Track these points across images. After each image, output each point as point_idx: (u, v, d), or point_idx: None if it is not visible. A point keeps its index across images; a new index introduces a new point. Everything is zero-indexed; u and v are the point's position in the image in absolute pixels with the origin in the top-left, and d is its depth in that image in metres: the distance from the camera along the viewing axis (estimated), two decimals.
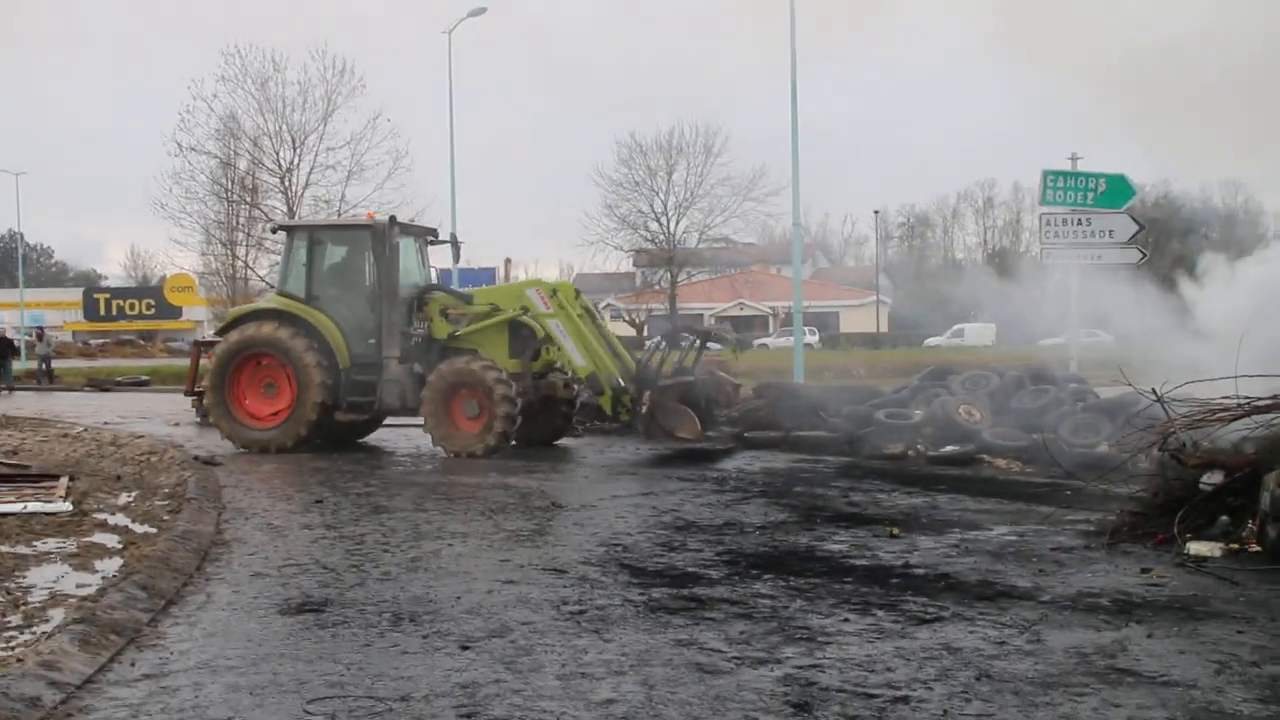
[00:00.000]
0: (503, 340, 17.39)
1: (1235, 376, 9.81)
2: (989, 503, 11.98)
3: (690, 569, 8.61)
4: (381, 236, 17.33)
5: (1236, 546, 8.76)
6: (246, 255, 49.87)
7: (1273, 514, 8.55)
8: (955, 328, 63.20)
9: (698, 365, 17.88)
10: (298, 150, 45.90)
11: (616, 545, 9.66)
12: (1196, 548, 8.80)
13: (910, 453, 15.92)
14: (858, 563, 8.83)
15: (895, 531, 10.15)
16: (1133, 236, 21.00)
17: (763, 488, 13.21)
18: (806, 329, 45.38)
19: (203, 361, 19.57)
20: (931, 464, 15.18)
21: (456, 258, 20.00)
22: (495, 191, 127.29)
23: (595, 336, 17.00)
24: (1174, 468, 9.66)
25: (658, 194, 60.64)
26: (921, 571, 8.48)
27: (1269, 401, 9.64)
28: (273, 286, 51.61)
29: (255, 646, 6.55)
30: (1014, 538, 9.91)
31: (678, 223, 60.56)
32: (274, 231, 20.89)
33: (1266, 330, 11.47)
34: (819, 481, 13.66)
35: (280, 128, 45.75)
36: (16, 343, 37.07)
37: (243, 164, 47.11)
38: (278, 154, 46.15)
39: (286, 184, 46.12)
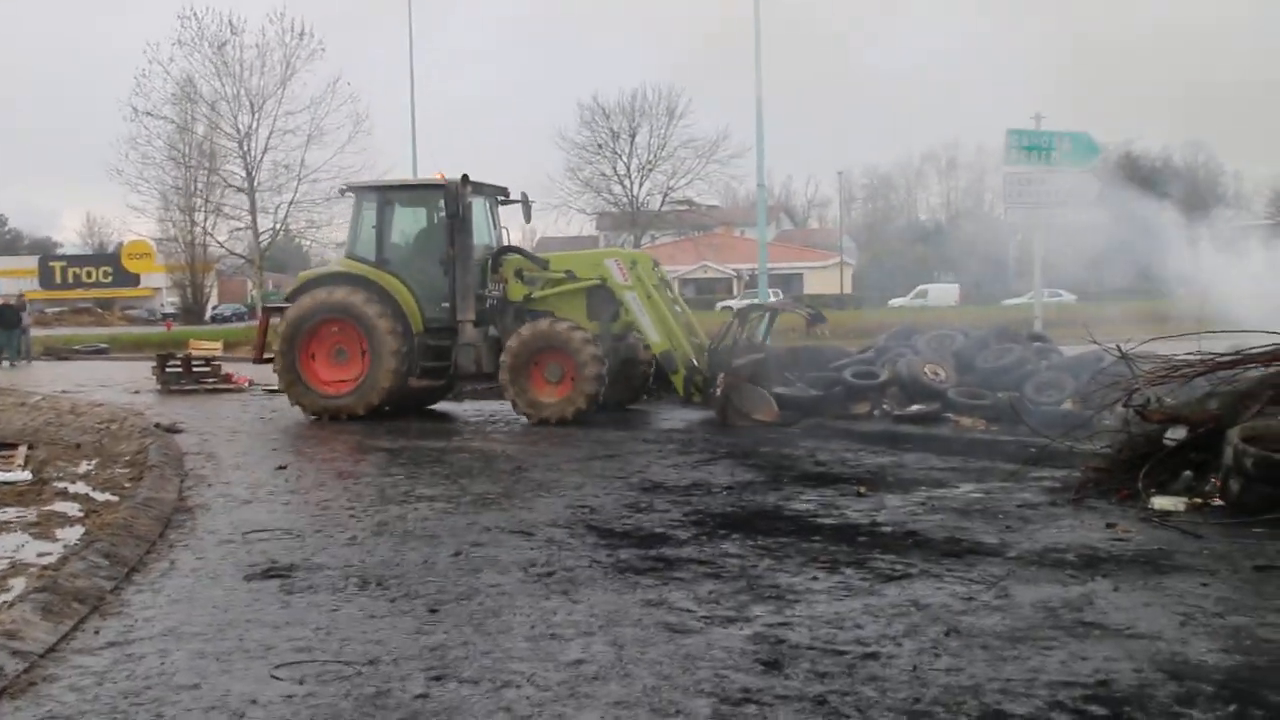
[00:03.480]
0: (580, 302, 16.91)
1: (1199, 333, 9.85)
2: (955, 461, 11.97)
3: (658, 530, 8.55)
4: (454, 196, 16.88)
5: (1200, 501, 8.78)
6: (205, 221, 49.42)
7: (1235, 468, 8.57)
8: (919, 288, 63.38)
9: (768, 339, 17.37)
10: (256, 115, 45.36)
11: (583, 507, 9.59)
12: (1161, 502, 8.83)
13: (876, 412, 15.93)
14: (825, 521, 8.78)
15: (862, 490, 10.11)
16: (1096, 196, 21.04)
17: (728, 449, 13.16)
18: (771, 291, 45.20)
19: (271, 323, 18.84)
20: (897, 423, 15.17)
21: (528, 216, 19.39)
22: (455, 155, 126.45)
23: (671, 311, 16.57)
24: (1138, 424, 9.69)
25: (620, 156, 60.02)
26: (889, 529, 8.45)
27: (1231, 357, 9.68)
28: (232, 253, 51.23)
29: (221, 613, 6.49)
30: (980, 495, 9.89)
31: (641, 185, 60.07)
32: (342, 193, 20.35)
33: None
34: (785, 442, 13.64)
35: (238, 92, 45.23)
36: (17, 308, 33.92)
37: (200, 129, 46.60)
38: (235, 118, 45.62)
39: (245, 149, 45.59)
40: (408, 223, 17.97)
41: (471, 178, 17.11)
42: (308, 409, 17.33)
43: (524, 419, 16.22)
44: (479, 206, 17.82)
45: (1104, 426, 10.71)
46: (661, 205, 60.98)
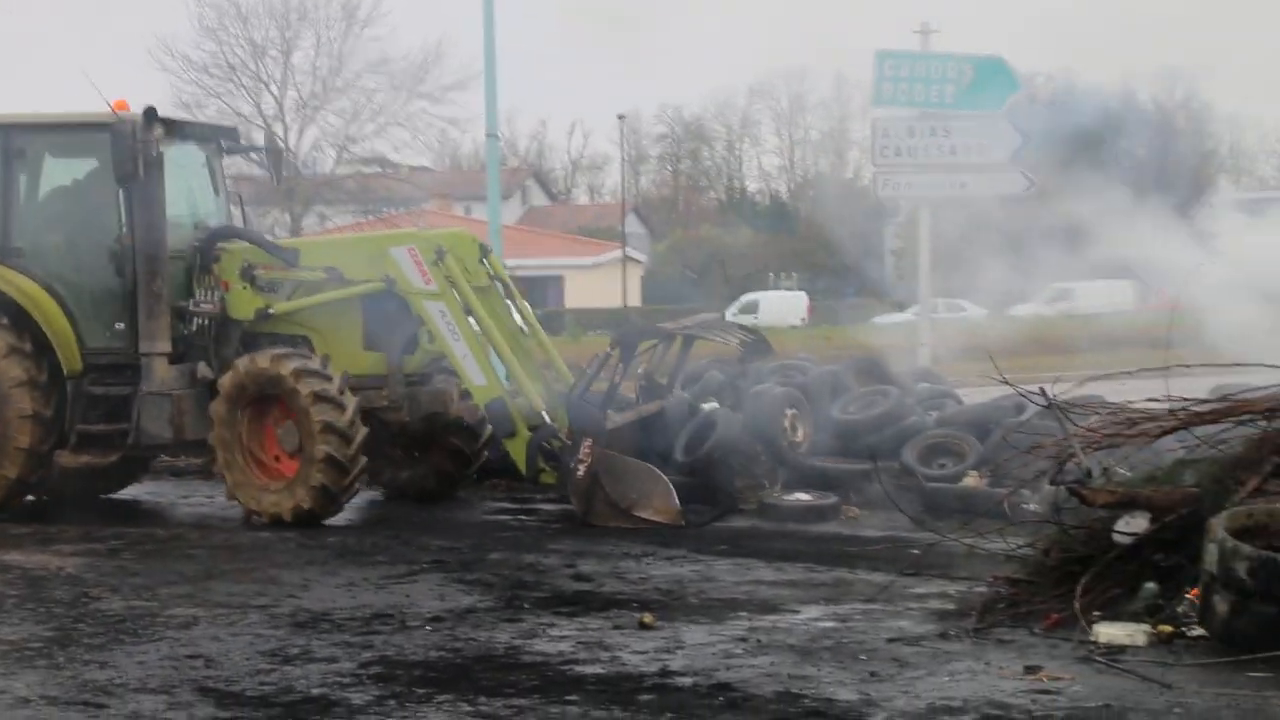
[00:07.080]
0: (354, 320, 11.98)
1: (1166, 368, 7.72)
2: (793, 570, 9.46)
3: (316, 691, 6.54)
4: (129, 142, 11.52)
5: (1169, 629, 7.12)
6: None
7: (1222, 577, 6.76)
8: (746, 298, 48.87)
9: (676, 384, 12.58)
10: None
11: (194, 657, 7.23)
12: (1108, 632, 7.12)
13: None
14: (588, 670, 6.96)
15: (647, 619, 8.01)
16: (1015, 152, 16.57)
17: (437, 555, 10.06)
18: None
19: None
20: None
21: (278, 175, 14.34)
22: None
23: (508, 331, 11.89)
24: (1075, 509, 7.92)
25: (267, 86, 42.68)
26: (689, 681, 6.67)
27: (1216, 405, 7.73)
28: None
29: None
30: (831, 624, 7.95)
31: (302, 134, 43.38)
32: None
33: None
34: (529, 542, 10.54)
35: None
36: None
37: None
38: None
39: None
40: (54, 188, 12.68)
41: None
42: None
43: (248, 514, 11.66)
44: (185, 161, 12.64)
45: (1024, 513, 8.97)
46: (335, 166, 44.69)
